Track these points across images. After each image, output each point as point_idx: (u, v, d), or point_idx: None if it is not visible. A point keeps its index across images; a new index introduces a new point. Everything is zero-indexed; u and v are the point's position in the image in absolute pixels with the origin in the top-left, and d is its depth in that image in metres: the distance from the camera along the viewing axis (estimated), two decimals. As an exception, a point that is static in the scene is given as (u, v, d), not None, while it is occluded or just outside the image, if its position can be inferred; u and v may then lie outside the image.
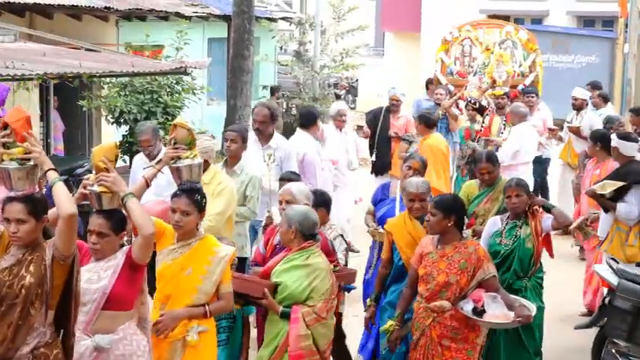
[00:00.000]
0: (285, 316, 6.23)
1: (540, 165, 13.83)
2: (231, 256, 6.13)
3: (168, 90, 12.40)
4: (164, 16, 16.81)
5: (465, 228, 6.97)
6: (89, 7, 14.97)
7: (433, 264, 6.63)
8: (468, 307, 6.53)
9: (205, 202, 6.15)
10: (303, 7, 25.80)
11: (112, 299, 5.41)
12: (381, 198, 8.69)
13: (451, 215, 6.58)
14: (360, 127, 13.60)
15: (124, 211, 5.47)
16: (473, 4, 28.62)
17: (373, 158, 12.56)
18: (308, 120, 10.58)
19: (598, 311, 8.05)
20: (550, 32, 24.99)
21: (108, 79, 12.62)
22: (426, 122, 11.39)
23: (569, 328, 9.12)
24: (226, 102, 15.86)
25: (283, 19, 22.77)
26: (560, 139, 13.44)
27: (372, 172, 13.01)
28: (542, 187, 13.72)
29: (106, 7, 15.22)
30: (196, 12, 17.91)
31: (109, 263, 5.48)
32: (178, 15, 16.40)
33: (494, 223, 7.66)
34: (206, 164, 7.51)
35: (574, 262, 12.04)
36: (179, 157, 6.31)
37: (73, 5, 14.66)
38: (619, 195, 8.85)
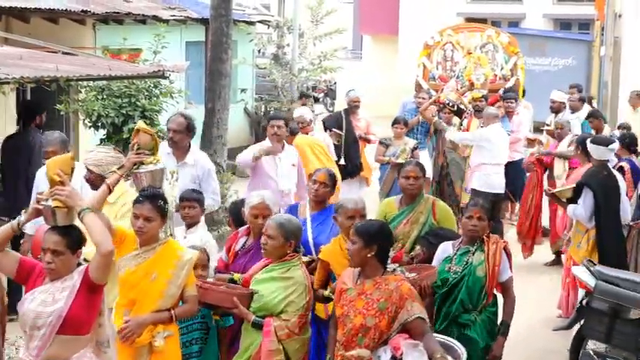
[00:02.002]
0: (256, 326, 6.08)
1: (520, 167, 13.91)
2: (195, 258, 6.04)
3: (146, 94, 12.34)
4: (141, 20, 16.74)
5: (389, 261, 5.87)
6: (66, 10, 14.88)
7: (350, 303, 5.67)
8: (385, 357, 5.51)
9: (168, 207, 6.07)
10: (281, 11, 25.73)
11: (68, 323, 5.18)
12: None
13: (373, 245, 5.62)
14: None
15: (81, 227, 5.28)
16: (450, 8, 28.75)
17: (342, 162, 12.50)
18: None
19: (576, 313, 8.09)
20: (527, 35, 25.11)
21: (85, 83, 12.54)
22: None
23: (548, 329, 9.18)
24: (204, 105, 15.82)
25: (261, 22, 22.74)
26: (540, 143, 13.51)
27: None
28: (515, 189, 13.78)
29: (83, 11, 15.14)
30: (174, 15, 17.87)
31: (65, 284, 5.24)
32: (156, 18, 16.35)
33: (444, 250, 6.82)
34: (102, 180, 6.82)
35: (555, 265, 12.11)
36: (142, 163, 6.29)
37: (49, 9, 14.56)
38: (577, 196, 9.03)
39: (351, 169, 12.72)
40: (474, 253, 6.63)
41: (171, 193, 7.35)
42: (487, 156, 12.13)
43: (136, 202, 5.95)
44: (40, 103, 11.08)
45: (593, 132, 12.73)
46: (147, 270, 5.86)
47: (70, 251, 5.25)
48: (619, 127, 14.31)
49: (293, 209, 7.72)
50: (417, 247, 7.02)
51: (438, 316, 6.61)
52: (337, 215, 6.73)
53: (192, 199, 7.62)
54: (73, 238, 5.28)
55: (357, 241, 5.64)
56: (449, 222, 7.38)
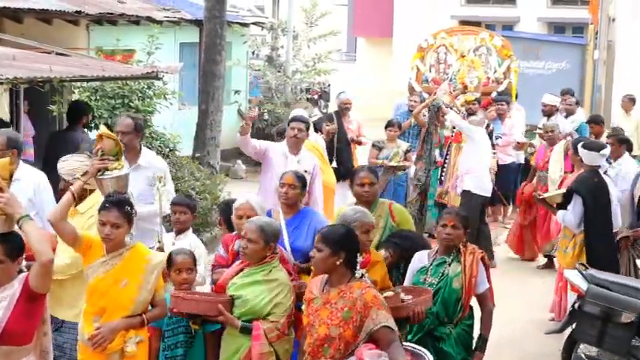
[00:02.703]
0: (246, 331, 5.95)
1: (512, 170, 13.94)
2: (164, 261, 6.03)
3: (139, 95, 12.34)
4: (135, 21, 16.72)
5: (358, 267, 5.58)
6: (60, 11, 14.85)
7: (316, 312, 5.43)
8: None
9: (135, 212, 5.96)
10: (275, 12, 25.77)
11: (7, 333, 5.03)
12: None
13: (340, 251, 5.37)
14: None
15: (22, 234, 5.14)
16: (444, 11, 28.77)
17: (334, 165, 12.46)
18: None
19: (568, 316, 8.10)
20: (521, 39, 25.08)
21: (78, 84, 12.54)
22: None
23: (540, 332, 9.19)
24: (198, 107, 15.82)
25: (255, 24, 22.73)
26: (532, 145, 13.52)
27: None
28: (506, 191, 13.80)
29: (76, 12, 15.10)
30: (168, 16, 17.84)
31: (4, 293, 5.08)
32: (150, 19, 16.33)
33: (419, 260, 6.60)
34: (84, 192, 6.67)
35: (547, 269, 12.12)
36: (106, 169, 6.22)
37: (43, 9, 14.53)
38: (567, 201, 9.03)
39: (344, 171, 12.70)
40: (450, 264, 6.41)
41: (160, 199, 7.21)
42: (475, 159, 12.11)
43: (102, 208, 5.83)
44: (87, 104, 11.32)
45: (592, 137, 12.77)
46: (116, 277, 5.79)
47: (9, 259, 5.09)
48: (612, 131, 14.33)
49: (267, 215, 7.28)
50: (383, 251, 6.79)
51: (412, 329, 6.34)
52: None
53: (183, 204, 7.52)
54: (13, 246, 5.13)
55: (323, 248, 5.38)
56: (408, 224, 7.24)
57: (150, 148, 12.07)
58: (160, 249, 7.08)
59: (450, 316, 6.35)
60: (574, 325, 7.87)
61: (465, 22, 26.10)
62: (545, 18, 29.88)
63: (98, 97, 12.15)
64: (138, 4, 18.24)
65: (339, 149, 12.55)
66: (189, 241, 7.40)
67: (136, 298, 5.80)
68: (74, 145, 10.00)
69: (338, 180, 12.57)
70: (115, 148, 6.27)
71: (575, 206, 8.95)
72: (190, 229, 7.57)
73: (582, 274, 7.91)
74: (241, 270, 6.18)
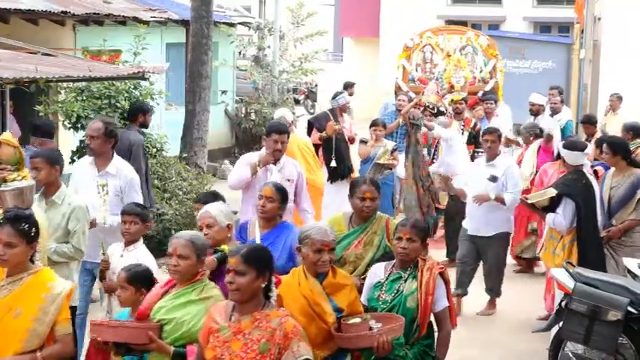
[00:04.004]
0: (179, 356, 5.28)
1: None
2: (69, 291, 5.27)
3: (126, 95, 12.30)
4: (122, 21, 16.70)
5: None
6: (46, 11, 14.83)
7: (225, 344, 4.73)
8: None
9: (37, 231, 5.29)
10: (261, 13, 25.74)
11: None
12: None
13: (265, 273, 4.78)
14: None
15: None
16: (431, 10, 28.81)
17: (333, 164, 12.44)
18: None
19: (555, 314, 8.12)
20: (507, 38, 25.18)
21: (65, 84, 12.50)
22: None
23: (527, 331, 9.21)
24: (185, 107, 15.81)
25: (242, 24, 22.73)
26: (518, 144, 13.55)
27: (328, 180, 12.38)
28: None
29: (62, 12, 15.09)
30: (154, 17, 17.83)
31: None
32: (136, 20, 16.31)
33: (375, 273, 6.11)
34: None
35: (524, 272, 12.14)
36: (4, 180, 5.75)
37: (29, 9, 14.51)
38: (555, 204, 9.03)
39: (343, 170, 12.71)
40: (406, 280, 5.92)
41: (103, 208, 6.84)
42: (458, 163, 12.13)
43: None
44: (145, 103, 11.39)
45: (584, 136, 12.81)
46: (10, 305, 5.12)
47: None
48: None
49: (243, 228, 7.10)
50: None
51: (364, 352, 5.77)
52: (301, 246, 5.76)
53: (134, 213, 7.01)
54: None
55: (247, 271, 4.70)
56: None
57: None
58: (105, 262, 6.77)
59: (405, 337, 5.77)
60: (561, 324, 7.89)
61: (451, 22, 26.19)
62: (531, 17, 29.98)
63: (84, 98, 12.10)
64: (124, 4, 18.23)
65: (338, 148, 12.55)
66: (139, 253, 6.94)
67: (29, 331, 5.09)
68: (130, 143, 10.16)
69: (336, 179, 12.59)
70: (15, 156, 5.80)
71: (566, 209, 8.95)
72: (141, 241, 7.05)
73: (569, 272, 7.93)
74: (166, 292, 5.53)
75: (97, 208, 7.05)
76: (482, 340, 9.37)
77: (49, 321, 5.14)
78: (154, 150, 12.43)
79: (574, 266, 8.15)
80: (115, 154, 8.17)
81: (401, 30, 24.58)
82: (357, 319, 5.57)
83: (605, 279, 7.85)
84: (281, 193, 6.92)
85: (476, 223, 10.02)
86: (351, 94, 19.24)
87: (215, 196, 7.32)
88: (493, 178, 9.87)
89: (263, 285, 4.76)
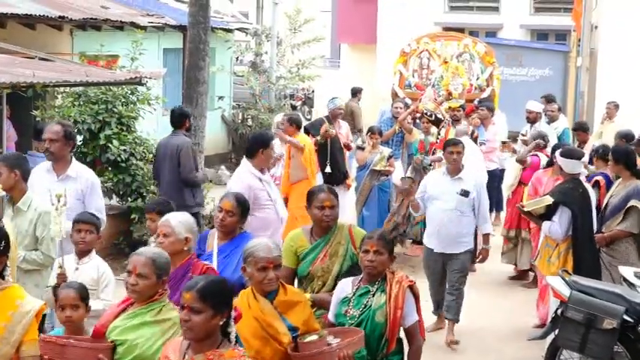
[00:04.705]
0: None
1: (496, 177, 13.98)
2: (39, 310, 5.03)
3: (122, 100, 12.32)
4: (119, 26, 16.70)
5: None
6: (43, 16, 14.83)
7: None
8: None
9: (7, 245, 5.07)
10: (259, 18, 25.75)
11: None
12: (197, 253, 6.63)
13: (224, 310, 4.44)
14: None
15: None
16: (428, 17, 28.83)
17: (328, 170, 12.49)
18: (250, 148, 8.83)
19: (551, 322, 8.12)
20: (504, 45, 25.25)
21: (62, 89, 12.52)
22: (296, 123, 12.00)
23: (522, 339, 9.21)
24: (182, 113, 15.78)
25: (239, 29, 22.74)
26: (514, 151, 13.56)
27: None
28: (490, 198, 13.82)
29: (60, 17, 15.09)
30: (152, 22, 17.83)
31: None
32: (134, 25, 16.31)
33: (342, 289, 5.87)
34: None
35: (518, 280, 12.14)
36: None
37: (26, 14, 14.51)
38: (551, 212, 9.03)
39: (338, 176, 12.73)
40: (374, 294, 5.71)
41: (58, 220, 6.37)
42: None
43: None
44: (184, 111, 11.59)
45: (576, 143, 12.83)
46: None
47: None
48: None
49: (202, 238, 6.87)
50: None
51: None
52: (246, 265, 5.43)
53: (89, 222, 6.71)
54: None
55: (202, 308, 4.34)
56: None
57: (133, 154, 12.14)
58: (62, 275, 6.36)
59: (373, 352, 5.63)
60: (556, 332, 7.89)
61: (448, 29, 26.17)
62: (528, 25, 29.99)
63: (81, 103, 12.12)
64: (122, 9, 18.24)
65: (333, 154, 12.59)
66: (95, 264, 6.64)
67: None
68: (177, 148, 10.58)
69: (332, 185, 12.60)
70: None
71: (562, 218, 8.95)
72: (94, 252, 6.76)
73: (565, 280, 7.94)
74: (124, 310, 5.19)
75: (54, 221, 6.49)
76: (477, 348, 9.37)
77: (15, 341, 4.87)
78: (151, 155, 12.43)
79: (570, 274, 8.15)
80: (73, 157, 7.90)
81: (398, 37, 24.59)
82: (314, 337, 5.33)
83: (600, 287, 7.85)
84: (241, 206, 6.70)
85: (444, 242, 9.33)
86: (359, 100, 19.34)
87: (165, 204, 7.13)
88: (465, 193, 9.25)
89: (220, 323, 4.42)
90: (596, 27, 24.47)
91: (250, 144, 8.86)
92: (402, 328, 5.78)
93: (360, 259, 5.82)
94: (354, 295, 5.76)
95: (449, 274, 9.43)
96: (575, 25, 23.33)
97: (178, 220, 6.06)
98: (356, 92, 19.88)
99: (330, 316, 5.85)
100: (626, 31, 23.70)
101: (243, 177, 8.61)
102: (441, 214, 9.31)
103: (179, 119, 11.00)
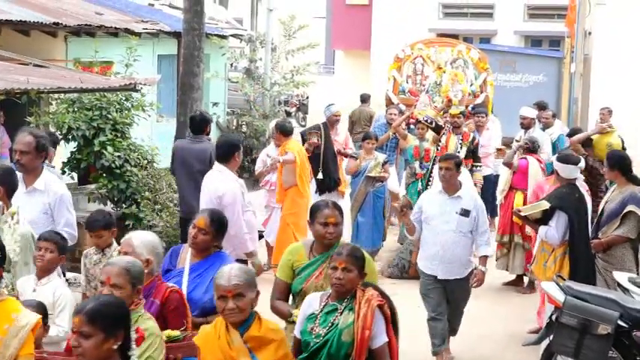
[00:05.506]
0: None
1: (491, 182, 14.00)
2: (35, 324, 4.92)
3: (117, 106, 12.31)
4: (114, 33, 16.71)
5: None
6: (37, 22, 14.83)
7: None
8: None
9: (2, 257, 5.03)
10: (253, 25, 25.80)
11: None
12: (167, 267, 6.48)
13: (117, 332, 4.21)
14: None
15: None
16: (422, 23, 28.89)
17: (320, 176, 12.51)
18: (226, 152, 8.75)
19: (545, 328, 8.12)
20: (498, 51, 25.27)
21: (56, 95, 12.49)
22: (283, 130, 11.87)
23: (517, 345, 9.21)
24: (176, 119, 15.78)
25: (234, 36, 22.76)
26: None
27: (316, 192, 12.64)
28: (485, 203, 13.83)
29: (54, 23, 15.09)
30: (146, 28, 17.84)
31: None
32: (128, 31, 16.32)
33: (309, 304, 5.53)
34: None
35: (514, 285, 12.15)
36: None
37: (21, 20, 14.51)
38: (548, 217, 9.04)
39: (329, 183, 12.74)
40: (341, 313, 5.36)
41: (12, 238, 6.14)
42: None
43: None
44: (207, 113, 11.68)
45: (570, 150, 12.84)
46: None
47: None
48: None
49: (174, 252, 6.65)
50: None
51: None
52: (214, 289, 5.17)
53: (51, 240, 6.42)
54: None
55: (92, 332, 4.11)
56: (372, 275, 5.95)
57: (127, 160, 12.13)
58: (16, 298, 5.85)
59: None
60: (551, 337, 7.90)
61: (442, 35, 26.23)
62: (522, 31, 30.08)
63: (76, 109, 12.10)
64: (116, 15, 18.25)
65: (325, 161, 12.60)
66: (53, 286, 6.36)
67: None
68: (200, 152, 10.58)
69: (323, 192, 12.64)
70: None
71: (559, 222, 8.95)
72: (56, 272, 6.46)
73: (559, 286, 7.95)
74: None
75: (7, 240, 6.11)
76: (472, 354, 9.37)
77: (10, 356, 4.74)
78: (145, 162, 12.42)
79: (564, 280, 8.16)
80: (44, 168, 7.49)
81: (392, 43, 24.65)
82: None
83: (595, 292, 7.86)
84: (216, 224, 6.41)
85: (448, 267, 8.65)
86: (369, 106, 19.34)
87: (107, 217, 7.03)
88: (465, 213, 8.58)
89: (115, 346, 4.17)
90: (589, 33, 24.55)
91: (224, 148, 8.77)
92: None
93: (329, 275, 5.48)
94: (321, 311, 5.42)
95: (452, 302, 8.85)
96: (568, 31, 23.38)
97: (141, 240, 5.88)
98: (366, 99, 19.87)
99: (296, 332, 5.53)
100: (620, 38, 23.81)
101: (233, 180, 8.58)
102: (440, 236, 8.61)
103: (200, 125, 10.93)
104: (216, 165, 8.76)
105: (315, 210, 6.17)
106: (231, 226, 7.63)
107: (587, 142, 11.83)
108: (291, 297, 6.20)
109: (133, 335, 4.35)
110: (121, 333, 4.18)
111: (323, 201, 6.33)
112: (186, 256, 6.38)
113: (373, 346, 5.33)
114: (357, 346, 5.25)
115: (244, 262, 8.14)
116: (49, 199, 7.29)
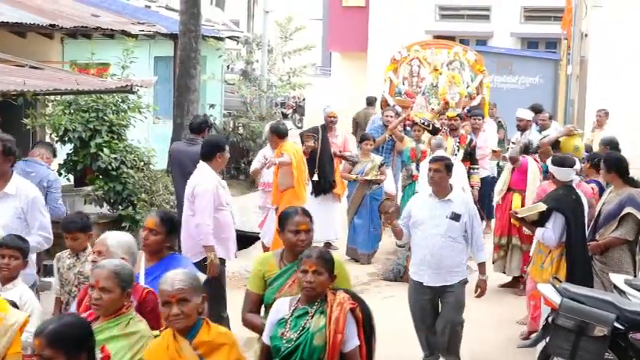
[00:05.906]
0: None
1: (488, 184, 13.99)
2: (22, 323, 4.96)
3: (113, 108, 12.31)
4: (110, 34, 16.70)
5: None
6: (34, 24, 14.82)
7: None
8: None
9: None
10: (250, 27, 25.81)
11: None
12: None
13: (79, 354, 4.19)
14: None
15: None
16: (419, 26, 28.85)
17: (315, 178, 12.51)
18: (209, 152, 8.92)
19: (541, 330, 8.12)
20: (494, 53, 25.25)
21: (52, 97, 12.49)
22: (278, 133, 11.71)
23: (513, 347, 9.21)
24: (172, 121, 15.80)
25: (230, 38, 22.78)
26: (504, 159, 13.58)
27: (312, 193, 12.67)
28: (482, 205, 13.84)
29: (51, 25, 15.08)
30: (143, 30, 17.84)
31: None
32: (124, 33, 16.31)
33: (278, 309, 5.43)
34: None
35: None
36: None
37: (17, 22, 14.50)
38: (545, 219, 9.04)
39: (324, 185, 12.74)
40: (312, 316, 5.28)
41: None
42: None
43: None
44: (207, 117, 11.75)
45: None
46: None
47: None
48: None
49: None
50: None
51: None
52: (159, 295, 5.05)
53: (15, 247, 6.29)
54: None
55: (53, 356, 4.07)
56: (344, 280, 5.82)
57: (124, 162, 12.12)
58: None
59: None
60: (547, 339, 7.90)
61: (439, 37, 26.17)
62: (519, 33, 30.03)
63: (72, 111, 12.11)
64: (112, 17, 18.25)
65: (322, 163, 12.59)
66: (19, 291, 6.23)
67: None
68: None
69: (319, 194, 12.63)
70: None
71: (556, 224, 8.95)
72: (20, 279, 6.37)
73: (556, 287, 7.94)
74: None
75: None
76: (468, 356, 9.37)
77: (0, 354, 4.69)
78: (141, 164, 12.42)
79: (560, 281, 8.16)
80: (14, 172, 7.40)
81: (389, 45, 24.60)
82: None
83: (591, 294, 7.86)
84: (167, 224, 6.30)
85: (435, 273, 8.34)
86: (374, 108, 19.31)
87: (85, 219, 6.97)
88: (455, 217, 8.25)
89: None
90: (586, 35, 24.55)
91: (207, 148, 8.94)
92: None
93: (298, 280, 5.42)
94: (291, 316, 5.33)
95: (442, 311, 8.48)
96: (565, 33, 23.37)
97: (116, 240, 5.84)
98: (372, 101, 19.74)
99: (265, 339, 5.43)
100: (616, 40, 23.82)
101: (211, 176, 8.75)
102: (429, 240, 8.29)
103: (200, 125, 10.96)
104: (200, 163, 8.94)
105: (285, 217, 6.00)
106: (197, 216, 8.37)
107: (555, 144, 11.84)
108: (263, 309, 6.00)
109: (98, 355, 4.28)
110: (83, 354, 4.09)
111: (292, 208, 6.17)
112: (141, 262, 6.20)
113: (345, 350, 5.27)
114: (329, 349, 5.19)
115: (204, 262, 8.36)
116: (22, 203, 7.19)
